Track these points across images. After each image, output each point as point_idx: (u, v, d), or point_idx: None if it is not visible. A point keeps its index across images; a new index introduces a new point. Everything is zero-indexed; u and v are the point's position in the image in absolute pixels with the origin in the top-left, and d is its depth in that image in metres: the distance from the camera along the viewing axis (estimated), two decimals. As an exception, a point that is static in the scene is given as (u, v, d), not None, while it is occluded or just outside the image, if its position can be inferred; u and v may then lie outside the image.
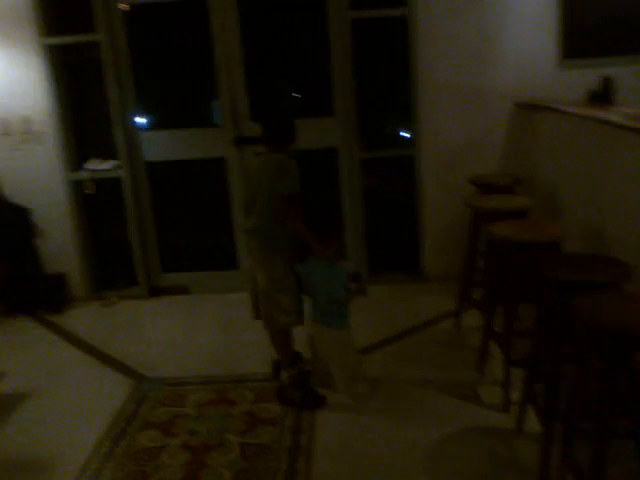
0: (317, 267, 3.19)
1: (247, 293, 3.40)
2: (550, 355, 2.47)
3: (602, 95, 4.15)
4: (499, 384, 3.08)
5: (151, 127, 4.96)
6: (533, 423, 2.76)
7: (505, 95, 4.57)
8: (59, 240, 4.92)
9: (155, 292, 5.06)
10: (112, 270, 5.17)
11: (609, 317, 1.99)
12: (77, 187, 4.87)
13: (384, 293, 4.68)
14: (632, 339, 1.95)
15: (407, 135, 4.88)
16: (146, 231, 5.00)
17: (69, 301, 4.95)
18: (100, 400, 3.43)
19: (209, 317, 4.57)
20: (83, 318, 4.72)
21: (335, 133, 4.75)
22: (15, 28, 4.55)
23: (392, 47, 4.78)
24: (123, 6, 4.62)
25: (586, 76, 4.30)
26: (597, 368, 2.07)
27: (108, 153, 4.88)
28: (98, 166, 4.83)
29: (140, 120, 4.88)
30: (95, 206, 5.05)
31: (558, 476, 2.39)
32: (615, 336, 1.95)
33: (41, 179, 4.81)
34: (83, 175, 4.82)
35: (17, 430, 3.21)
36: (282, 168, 3.06)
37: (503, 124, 4.64)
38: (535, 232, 3.01)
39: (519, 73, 4.55)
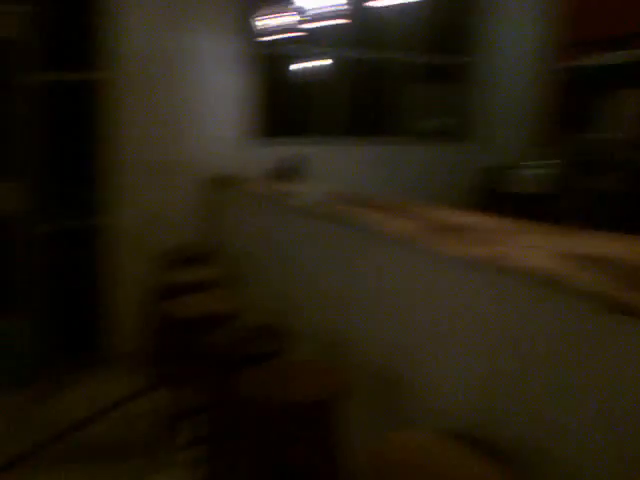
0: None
1: None
2: (219, 433, 2.39)
3: (289, 171, 4.42)
4: (177, 466, 2.93)
5: None
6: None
7: (200, 169, 4.64)
8: None
9: None
10: None
11: (259, 390, 1.99)
12: None
13: (56, 384, 4.13)
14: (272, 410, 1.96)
15: (96, 206, 4.62)
16: None
17: None
18: None
19: None
20: None
21: (11, 199, 4.27)
22: None
23: (87, 112, 4.53)
24: None
25: (274, 153, 4.57)
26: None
27: None
28: None
29: None
30: None
31: None
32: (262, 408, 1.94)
33: None
34: None
35: None
36: None
37: (197, 197, 4.67)
38: (207, 305, 2.97)
39: (214, 149, 4.67)
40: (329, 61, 5.61)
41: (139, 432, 3.47)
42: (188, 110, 4.59)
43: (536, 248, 1.93)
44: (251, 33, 4.46)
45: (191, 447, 2.86)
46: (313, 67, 5.61)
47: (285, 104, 5.50)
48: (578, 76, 5.16)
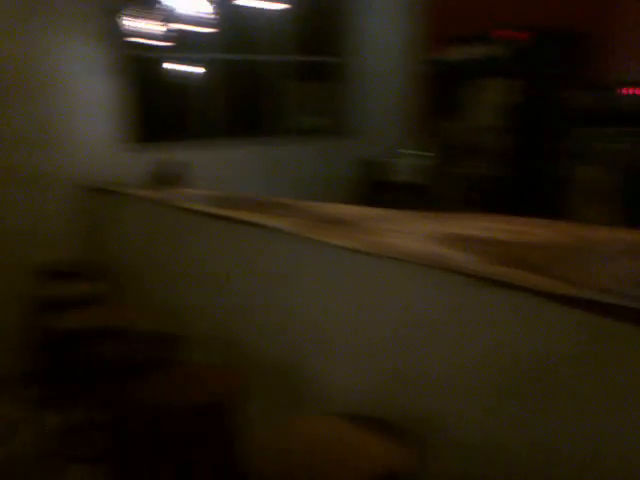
0: None
1: None
2: (117, 445, 2.34)
3: (169, 177, 4.36)
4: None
5: None
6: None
7: (76, 178, 4.46)
8: None
9: None
10: None
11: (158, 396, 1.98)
12: None
13: None
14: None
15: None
16: None
17: None
18: None
19: None
20: None
21: None
22: None
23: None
24: None
25: (153, 159, 4.49)
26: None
27: None
28: None
29: None
30: None
31: None
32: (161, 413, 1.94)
33: None
34: None
35: None
36: None
37: (76, 207, 4.50)
38: (95, 318, 2.88)
39: (88, 158, 4.51)
40: (204, 64, 5.58)
41: (31, 455, 3.32)
42: (59, 118, 4.40)
43: (414, 233, 2.04)
44: (120, 37, 4.35)
45: (88, 464, 2.77)
46: (189, 71, 5.55)
47: (162, 109, 5.42)
48: (446, 68, 5.45)
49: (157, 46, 4.21)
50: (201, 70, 5.56)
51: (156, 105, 5.32)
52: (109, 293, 3.51)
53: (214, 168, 5.13)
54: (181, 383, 2.12)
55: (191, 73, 5.50)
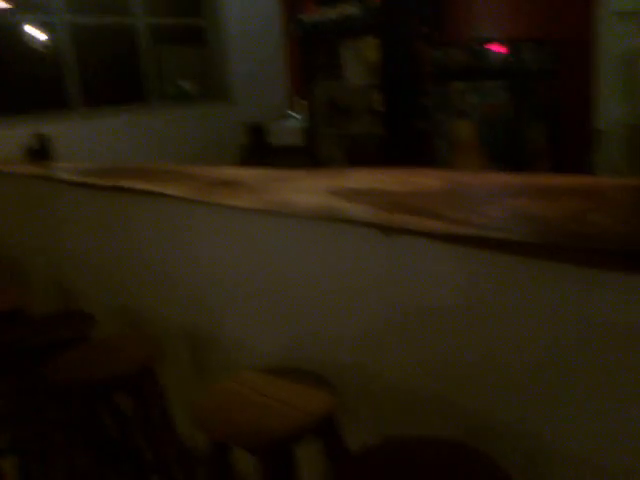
0: None
1: None
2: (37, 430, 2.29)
3: (40, 151, 4.14)
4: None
5: None
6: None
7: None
8: None
9: None
10: None
11: (75, 373, 1.96)
12: None
13: None
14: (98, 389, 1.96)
15: None
16: None
17: None
18: None
19: None
20: None
21: None
22: None
23: None
24: None
25: (20, 133, 4.23)
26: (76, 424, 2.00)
27: None
28: None
29: None
30: None
31: None
32: (84, 390, 1.92)
33: None
34: None
35: None
36: None
37: None
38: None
39: None
40: (65, 29, 5.27)
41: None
42: None
43: (309, 189, 2.12)
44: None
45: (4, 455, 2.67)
46: (47, 38, 5.23)
47: (26, 80, 5.10)
48: (313, 29, 5.51)
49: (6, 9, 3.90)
50: (62, 35, 5.26)
51: (17, 76, 5.00)
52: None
53: (88, 139, 4.94)
54: (95, 358, 2.10)
55: (52, 39, 5.19)
